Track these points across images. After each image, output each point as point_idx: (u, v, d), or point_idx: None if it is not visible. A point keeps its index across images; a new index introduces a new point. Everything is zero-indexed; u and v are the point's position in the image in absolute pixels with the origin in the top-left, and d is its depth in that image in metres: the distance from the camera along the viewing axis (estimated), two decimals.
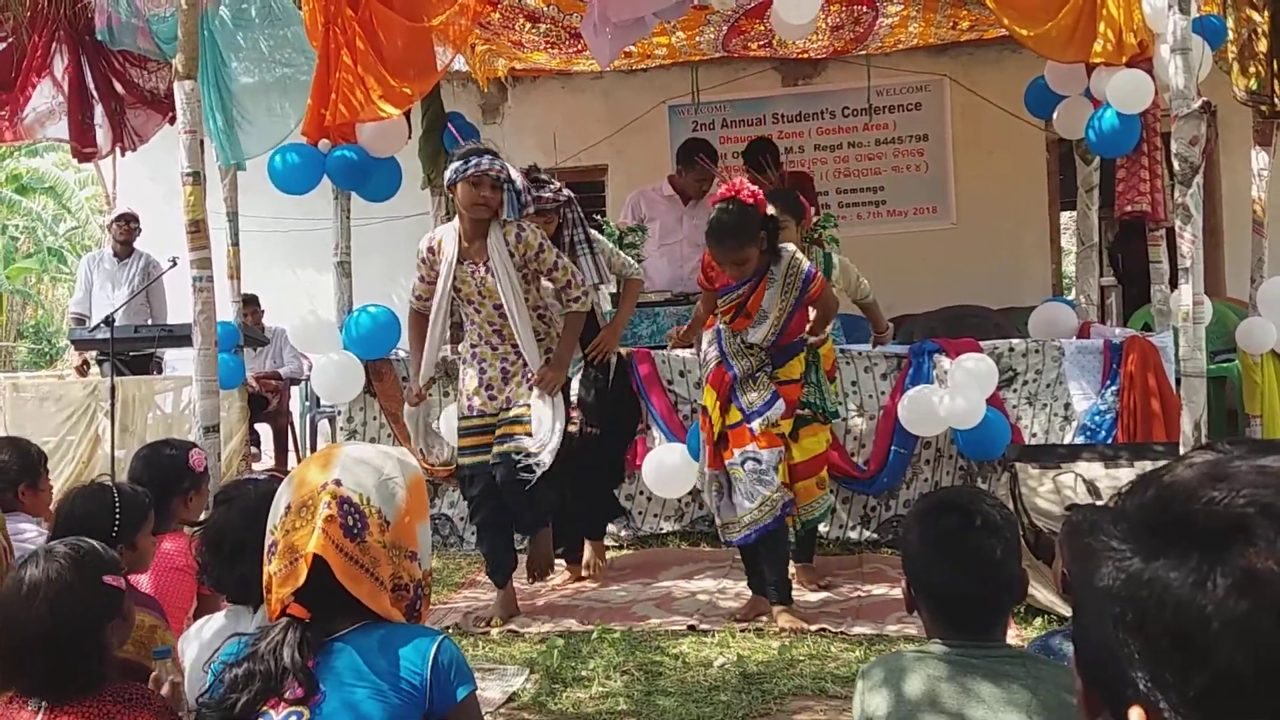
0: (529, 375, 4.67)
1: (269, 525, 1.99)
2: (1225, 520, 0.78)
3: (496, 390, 4.71)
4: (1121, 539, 0.84)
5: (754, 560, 4.68)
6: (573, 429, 4.98)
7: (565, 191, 5.13)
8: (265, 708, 1.86)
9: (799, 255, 4.54)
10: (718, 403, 4.59)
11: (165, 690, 2.22)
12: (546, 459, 4.51)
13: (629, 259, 5.39)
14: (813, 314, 4.75)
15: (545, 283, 4.75)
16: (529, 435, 4.56)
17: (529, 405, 4.62)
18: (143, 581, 3.05)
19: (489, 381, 4.72)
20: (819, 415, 4.86)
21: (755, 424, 4.49)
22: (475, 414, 4.75)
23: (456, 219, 4.77)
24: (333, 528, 1.91)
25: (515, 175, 4.70)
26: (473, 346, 4.79)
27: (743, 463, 4.49)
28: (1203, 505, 0.80)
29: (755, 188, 4.46)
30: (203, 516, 2.97)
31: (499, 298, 4.63)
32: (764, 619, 4.55)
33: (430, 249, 4.79)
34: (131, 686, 2.18)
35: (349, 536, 1.92)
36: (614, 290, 5.58)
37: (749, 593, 4.77)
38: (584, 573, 5.36)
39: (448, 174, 4.65)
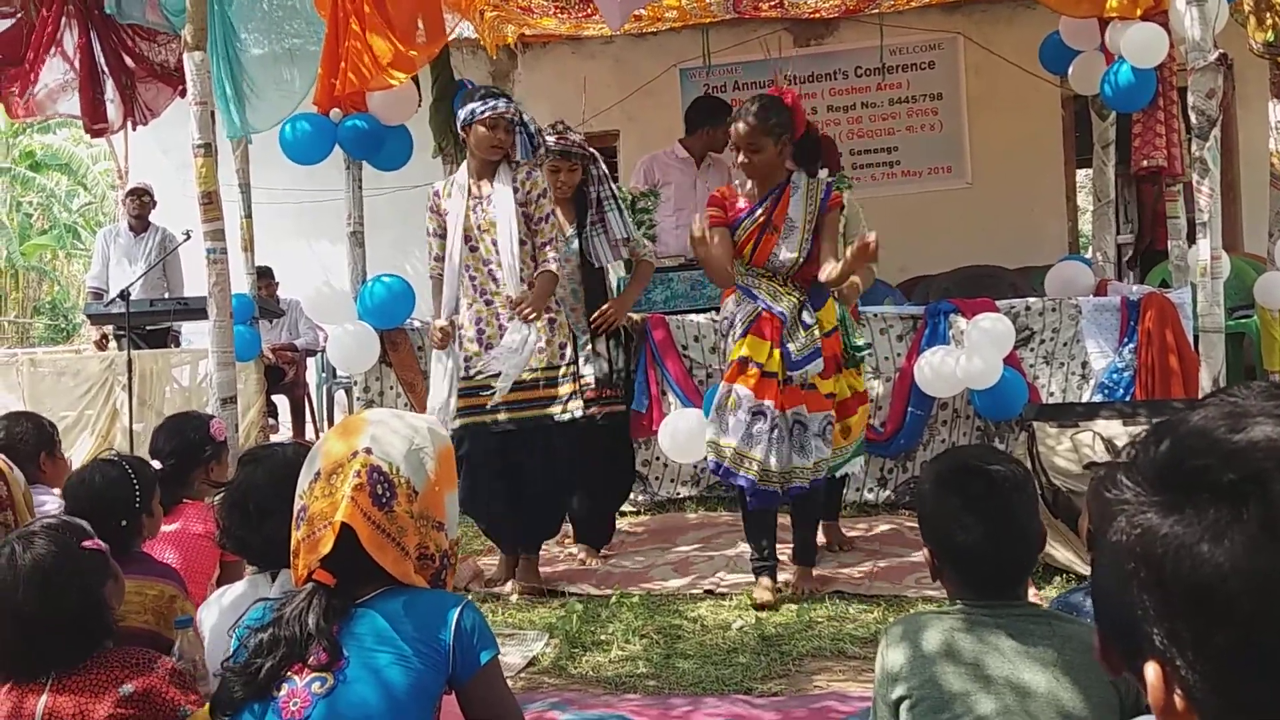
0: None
1: (298, 491, 2.00)
2: (1242, 473, 0.76)
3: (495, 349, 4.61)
4: (1136, 493, 0.82)
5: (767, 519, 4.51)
6: (594, 411, 4.86)
7: (589, 148, 5.12)
8: (289, 673, 1.87)
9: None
10: (773, 348, 4.34)
11: (185, 665, 2.23)
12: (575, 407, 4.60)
13: (643, 239, 5.35)
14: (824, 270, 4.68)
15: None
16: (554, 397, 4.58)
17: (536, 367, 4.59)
18: (169, 556, 3.08)
19: (488, 341, 4.62)
20: (848, 355, 4.74)
21: (794, 375, 4.35)
22: (475, 373, 4.63)
23: (464, 165, 4.79)
24: (361, 496, 1.91)
25: (528, 119, 4.72)
26: (469, 305, 4.68)
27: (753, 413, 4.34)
28: (1218, 459, 0.77)
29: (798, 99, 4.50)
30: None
31: (497, 231, 4.61)
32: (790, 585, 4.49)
33: (436, 193, 4.81)
34: (136, 651, 2.18)
35: (377, 505, 1.92)
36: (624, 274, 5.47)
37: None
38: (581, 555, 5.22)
39: (462, 114, 4.65)
